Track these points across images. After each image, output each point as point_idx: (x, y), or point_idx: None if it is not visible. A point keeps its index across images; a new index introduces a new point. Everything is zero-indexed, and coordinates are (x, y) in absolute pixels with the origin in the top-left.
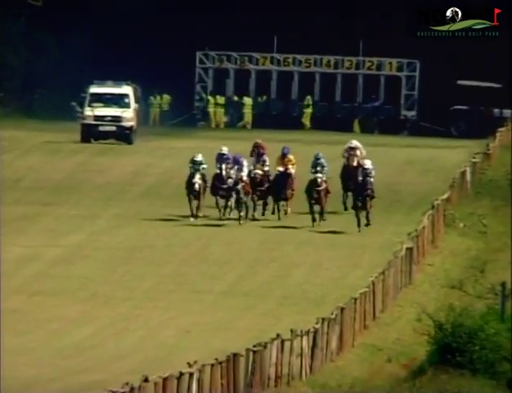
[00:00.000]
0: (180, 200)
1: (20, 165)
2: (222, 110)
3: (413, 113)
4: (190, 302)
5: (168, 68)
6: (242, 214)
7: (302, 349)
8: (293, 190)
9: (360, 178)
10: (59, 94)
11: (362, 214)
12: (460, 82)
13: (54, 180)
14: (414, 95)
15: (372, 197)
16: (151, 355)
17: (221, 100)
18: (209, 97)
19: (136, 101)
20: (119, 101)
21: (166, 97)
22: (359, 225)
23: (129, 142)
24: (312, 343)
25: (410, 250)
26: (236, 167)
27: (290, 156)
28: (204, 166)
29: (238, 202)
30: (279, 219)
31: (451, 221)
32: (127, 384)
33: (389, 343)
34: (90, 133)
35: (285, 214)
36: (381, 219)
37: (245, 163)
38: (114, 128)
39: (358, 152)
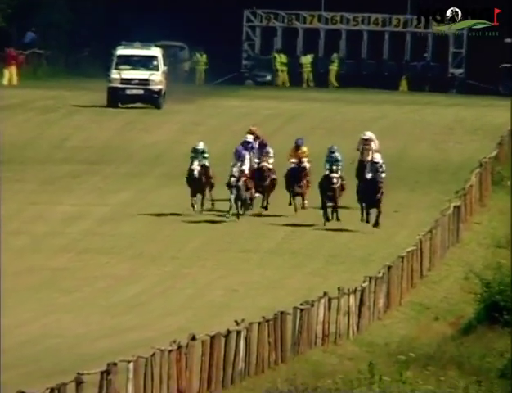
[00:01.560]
0: (227, 158)
1: (66, 124)
2: (286, 68)
3: (461, 71)
4: (238, 261)
5: (215, 26)
6: (241, 211)
7: (349, 307)
8: (308, 183)
9: (369, 175)
10: (107, 53)
11: (373, 212)
12: (507, 40)
13: (101, 139)
14: (462, 53)
15: (382, 194)
16: (199, 314)
17: (284, 58)
18: (276, 55)
19: (165, 63)
20: (147, 63)
21: (212, 55)
22: (368, 221)
23: (157, 106)
24: (359, 301)
25: (457, 208)
26: (239, 161)
27: (304, 148)
28: (206, 155)
29: (237, 198)
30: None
31: (498, 179)
32: (174, 342)
33: (437, 301)
34: (117, 97)
35: (302, 207)
36: (428, 178)
37: (247, 156)
38: (141, 92)
39: (373, 145)
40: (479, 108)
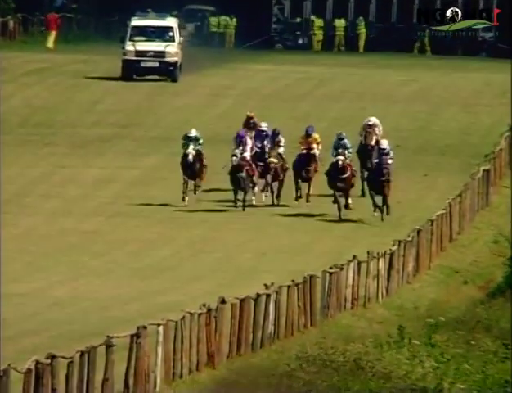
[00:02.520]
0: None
1: (97, 88)
2: (322, 32)
3: (491, 35)
4: (267, 224)
5: None
6: (239, 197)
7: (378, 271)
8: (315, 170)
9: (375, 161)
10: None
11: (378, 199)
12: None
13: (132, 102)
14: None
15: (388, 181)
16: (228, 277)
17: (321, 22)
18: (313, 19)
19: (181, 33)
20: (162, 34)
21: (242, 19)
22: (375, 210)
23: (174, 78)
24: (388, 265)
25: (487, 172)
26: (240, 146)
27: (315, 135)
28: (201, 142)
29: (238, 187)
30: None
31: None
32: (204, 305)
33: (466, 265)
34: (131, 70)
35: (307, 200)
36: (458, 141)
37: (249, 141)
38: (157, 64)
39: (377, 130)
40: (509, 72)
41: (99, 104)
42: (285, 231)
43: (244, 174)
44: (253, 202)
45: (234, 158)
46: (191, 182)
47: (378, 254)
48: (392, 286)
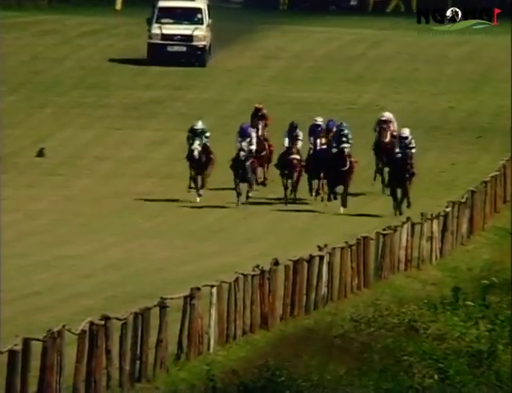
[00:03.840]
0: (312, 83)
1: None
2: None
3: None
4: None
5: None
6: (239, 189)
7: (432, 232)
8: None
9: (397, 151)
10: None
11: (399, 192)
12: None
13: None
14: None
15: (413, 174)
16: (282, 239)
17: None
18: None
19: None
20: (190, 16)
21: None
22: (397, 207)
23: (202, 63)
24: (442, 226)
25: None
26: (247, 139)
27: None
28: (208, 134)
29: (243, 180)
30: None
31: None
32: (257, 267)
33: None
34: (157, 54)
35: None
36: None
37: (254, 134)
38: (184, 49)
39: (391, 126)
40: None
41: (152, 66)
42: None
43: (248, 167)
44: (250, 194)
45: (242, 153)
46: (199, 177)
47: (432, 215)
48: (446, 247)
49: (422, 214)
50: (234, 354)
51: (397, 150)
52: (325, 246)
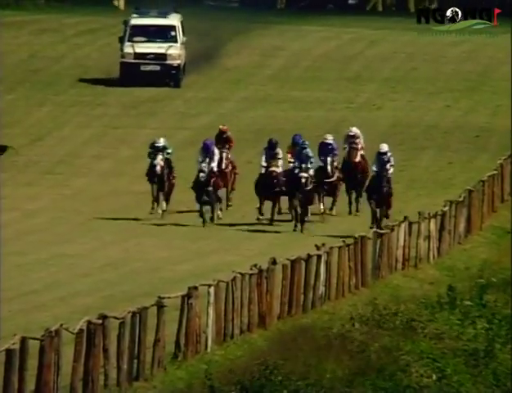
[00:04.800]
0: (310, 82)
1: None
2: None
3: None
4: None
5: None
6: (206, 211)
7: (429, 231)
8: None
9: (374, 169)
10: None
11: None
12: None
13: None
14: None
15: (390, 195)
16: (280, 238)
17: None
18: None
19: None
20: (164, 34)
21: None
22: (375, 222)
23: (176, 83)
24: (439, 226)
25: None
26: (207, 157)
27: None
28: (169, 151)
29: (205, 203)
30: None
31: None
32: (255, 266)
33: None
34: (130, 74)
35: (330, 211)
36: (509, 102)
37: (217, 151)
38: (158, 68)
39: (360, 143)
40: None
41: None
42: None
43: (210, 188)
44: (220, 216)
45: (201, 174)
46: (161, 194)
47: (429, 214)
48: (443, 246)
49: (419, 214)
50: (232, 354)
51: (374, 168)
52: (323, 245)
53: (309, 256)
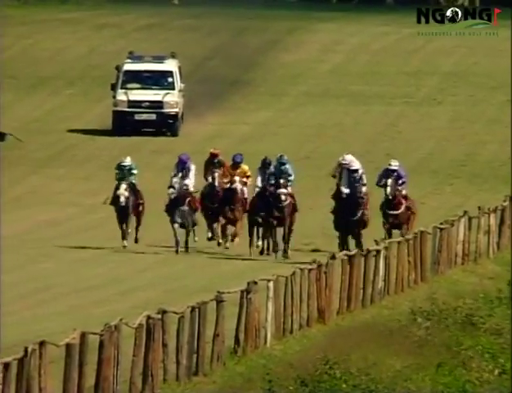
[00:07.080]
0: (369, 77)
1: (207, 43)
2: None
3: None
4: None
5: None
6: (181, 234)
7: (489, 226)
8: (244, 209)
9: (345, 191)
10: None
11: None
12: None
13: (242, 58)
14: None
15: (363, 222)
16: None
17: None
18: None
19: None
20: (160, 81)
21: None
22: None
23: (173, 132)
24: (499, 220)
25: None
26: (181, 172)
27: (244, 167)
28: (134, 172)
29: (179, 222)
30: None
31: None
32: (314, 261)
33: None
34: (124, 123)
35: (232, 240)
36: None
37: (193, 167)
38: (153, 117)
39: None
40: None
41: (211, 60)
42: None
43: (186, 208)
44: (196, 240)
45: (171, 190)
46: (127, 223)
47: (489, 209)
48: (503, 241)
49: (479, 208)
50: (291, 348)
51: (344, 189)
52: (382, 239)
53: (368, 251)
